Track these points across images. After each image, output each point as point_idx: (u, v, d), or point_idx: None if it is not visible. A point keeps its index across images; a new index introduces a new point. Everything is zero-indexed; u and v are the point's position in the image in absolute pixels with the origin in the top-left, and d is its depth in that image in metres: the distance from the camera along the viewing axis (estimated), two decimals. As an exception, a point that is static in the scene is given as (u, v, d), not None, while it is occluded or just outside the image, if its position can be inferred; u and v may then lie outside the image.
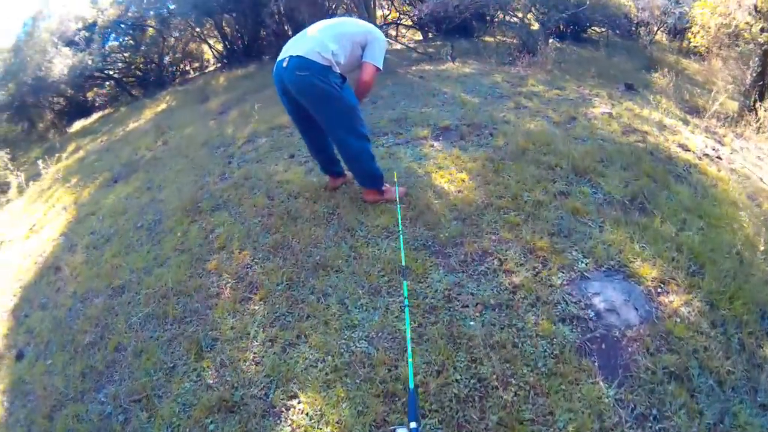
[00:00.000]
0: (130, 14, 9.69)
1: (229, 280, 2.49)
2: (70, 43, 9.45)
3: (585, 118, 3.98)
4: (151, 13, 9.67)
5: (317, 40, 2.38)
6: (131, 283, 2.84)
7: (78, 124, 10.45)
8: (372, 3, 6.98)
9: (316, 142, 2.79)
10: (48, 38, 8.87)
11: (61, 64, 8.79)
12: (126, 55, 10.87)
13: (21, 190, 6.10)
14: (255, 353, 2.04)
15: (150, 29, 10.57)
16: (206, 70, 11.53)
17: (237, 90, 7.13)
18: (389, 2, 9.94)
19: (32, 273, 3.71)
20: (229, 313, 2.29)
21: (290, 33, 7.24)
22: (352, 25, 2.55)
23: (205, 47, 11.84)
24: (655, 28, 8.40)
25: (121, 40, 10.63)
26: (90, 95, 12.40)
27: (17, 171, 6.58)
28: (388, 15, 10.32)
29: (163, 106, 8.26)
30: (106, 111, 10.79)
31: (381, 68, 2.49)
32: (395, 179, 2.88)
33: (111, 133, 7.44)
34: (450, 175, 3.02)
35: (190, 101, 7.71)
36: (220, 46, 11.08)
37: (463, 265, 2.27)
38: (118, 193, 4.34)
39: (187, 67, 12.26)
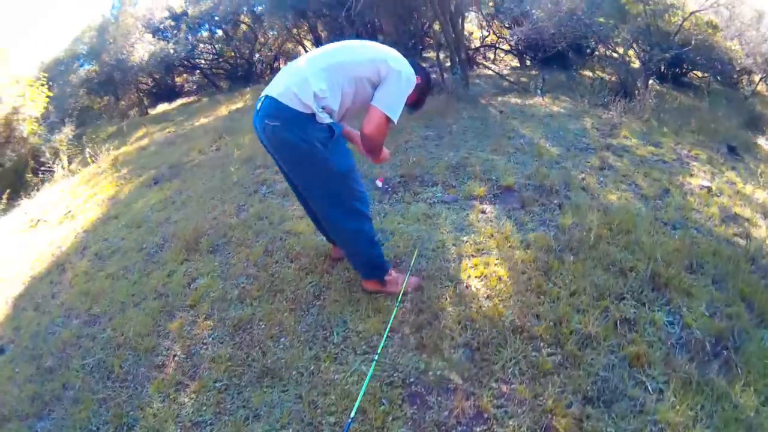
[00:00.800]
0: (222, 8, 9.92)
1: (179, 353, 2.18)
2: (155, 30, 9.84)
3: (680, 192, 3.24)
4: (245, 9, 9.86)
5: (299, 75, 1.76)
6: (105, 316, 2.66)
7: (161, 107, 10.99)
8: (460, 19, 6.45)
9: (309, 207, 2.24)
10: (132, 23, 9.26)
11: (143, 50, 9.14)
12: (218, 46, 11.20)
13: (74, 171, 6.28)
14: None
15: (243, 25, 10.80)
16: None
17: None
18: (487, 23, 9.38)
19: (45, 265, 3.70)
20: (160, 395, 1.96)
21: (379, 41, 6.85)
22: (361, 52, 1.88)
23: (301, 49, 11.99)
24: (758, 78, 7.18)
25: (212, 31, 10.90)
26: (179, 80, 12.88)
27: (83, 148, 6.73)
28: (487, 37, 9.80)
29: (240, 104, 8.28)
30: (190, 99, 11.10)
31: (395, 120, 1.83)
32: (412, 262, 2.36)
33: (180, 126, 7.58)
34: (486, 267, 2.37)
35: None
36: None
37: (440, 429, 1.64)
38: (149, 199, 4.24)
39: (282, 65, 12.33)
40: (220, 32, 11.00)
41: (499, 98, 5.84)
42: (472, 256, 2.48)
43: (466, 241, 2.60)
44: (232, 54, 11.26)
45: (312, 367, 1.93)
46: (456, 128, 4.50)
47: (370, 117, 1.82)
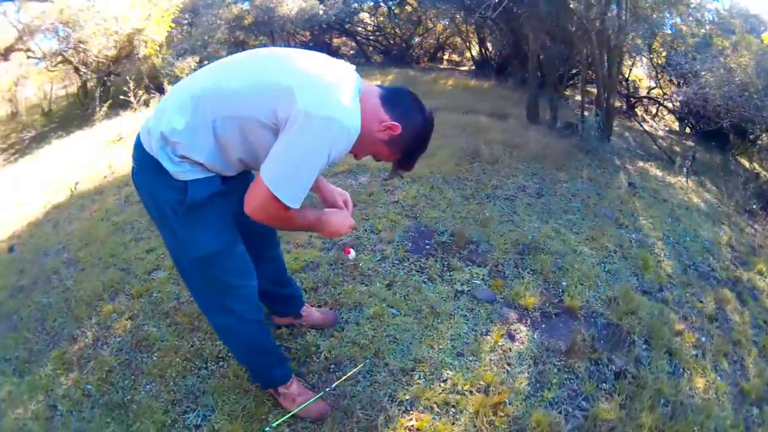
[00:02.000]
0: None
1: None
2: None
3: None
4: None
5: (163, 102, 1.24)
6: (83, 264, 2.72)
7: None
8: (618, 60, 5.32)
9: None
10: None
11: (293, 3, 9.22)
12: (380, 19, 11.01)
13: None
14: None
15: (408, 6, 10.38)
16: (461, 67, 11.10)
17: (448, 98, 6.25)
18: (657, 74, 7.88)
19: (88, 186, 3.79)
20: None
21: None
22: (261, 71, 1.17)
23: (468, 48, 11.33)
24: None
25: (377, 3, 10.68)
26: (336, 42, 13.12)
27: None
28: (653, 89, 8.28)
29: (376, 82, 7.99)
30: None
31: (286, 203, 1.14)
32: (336, 383, 1.76)
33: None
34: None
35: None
36: (475, 51, 10.39)
37: None
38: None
39: (444, 56, 11.89)
40: (383, 7, 10.72)
41: (639, 163, 4.71)
42: (430, 409, 1.74)
43: (446, 380, 1.85)
44: (392, 31, 10.98)
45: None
46: (563, 189, 3.57)
47: (252, 191, 1.15)
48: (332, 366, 1.89)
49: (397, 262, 2.51)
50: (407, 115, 1.26)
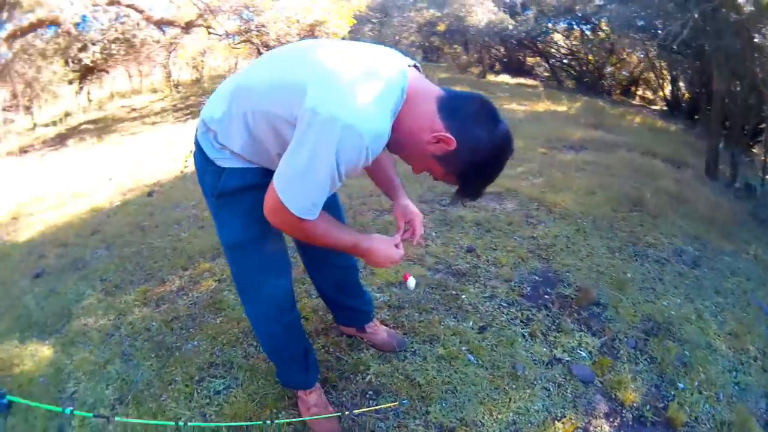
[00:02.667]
0: (579, 7, 8.76)
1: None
2: (498, 1, 9.45)
3: None
4: (603, 20, 8.45)
5: (217, 90, 1.17)
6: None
7: (502, 77, 10.98)
8: None
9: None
10: None
11: (481, 14, 9.01)
12: (574, 43, 10.22)
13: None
14: None
15: (601, 32, 9.43)
16: (652, 106, 9.78)
17: (630, 136, 5.43)
18: None
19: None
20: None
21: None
22: (292, 65, 1.01)
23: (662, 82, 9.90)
24: None
25: (570, 25, 9.93)
26: (531, 60, 12.63)
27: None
28: None
29: (560, 108, 7.20)
30: (529, 81, 10.65)
31: (295, 212, 0.98)
32: (353, 411, 1.48)
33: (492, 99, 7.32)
34: None
35: (555, 121, 6.60)
36: (668, 90, 9.06)
37: None
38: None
39: (637, 91, 10.65)
40: (577, 30, 9.94)
41: None
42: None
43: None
44: (584, 57, 10.13)
45: None
46: (723, 264, 2.68)
47: (268, 192, 1.02)
48: (370, 392, 1.60)
49: (504, 304, 2.08)
50: (467, 129, 0.96)
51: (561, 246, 2.58)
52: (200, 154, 1.15)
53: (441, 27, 10.74)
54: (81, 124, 8.49)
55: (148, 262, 2.55)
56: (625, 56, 9.91)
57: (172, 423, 1.42)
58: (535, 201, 3.10)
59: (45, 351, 1.97)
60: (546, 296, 2.15)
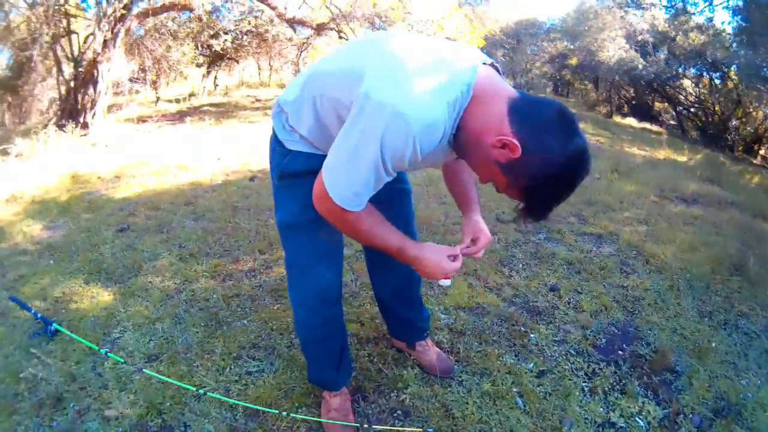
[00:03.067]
0: (710, 51, 7.87)
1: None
2: (630, 38, 8.84)
3: None
4: (733, 68, 7.51)
5: (297, 76, 1.16)
6: None
7: (627, 120, 10.58)
8: None
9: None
10: (610, 21, 8.57)
11: (612, 50, 8.51)
12: (702, 91, 9.28)
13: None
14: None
15: (730, 82, 8.43)
16: None
17: (744, 195, 4.85)
18: None
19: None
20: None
21: None
22: (357, 53, 1.01)
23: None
24: None
25: (699, 72, 9.08)
26: (659, 105, 11.84)
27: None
28: None
29: (681, 158, 6.72)
30: (654, 127, 10.11)
31: (337, 201, 0.95)
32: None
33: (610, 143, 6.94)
34: None
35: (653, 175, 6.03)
36: None
37: None
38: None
39: (761, 150, 9.46)
40: (706, 78, 9.04)
41: None
42: None
43: None
44: (711, 107, 9.18)
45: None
46: None
47: (316, 180, 1.00)
48: (399, 412, 1.51)
49: (572, 352, 1.88)
50: (537, 138, 0.85)
51: (650, 300, 2.31)
52: (273, 135, 1.17)
53: (573, 60, 10.42)
54: (203, 105, 9.00)
55: (229, 239, 2.67)
56: (751, 110, 8.96)
57: (193, 388, 1.45)
58: (634, 248, 2.88)
59: (105, 296, 2.13)
60: (620, 351, 1.90)
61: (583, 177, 0.88)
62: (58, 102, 7.34)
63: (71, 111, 6.91)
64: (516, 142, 0.84)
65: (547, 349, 1.86)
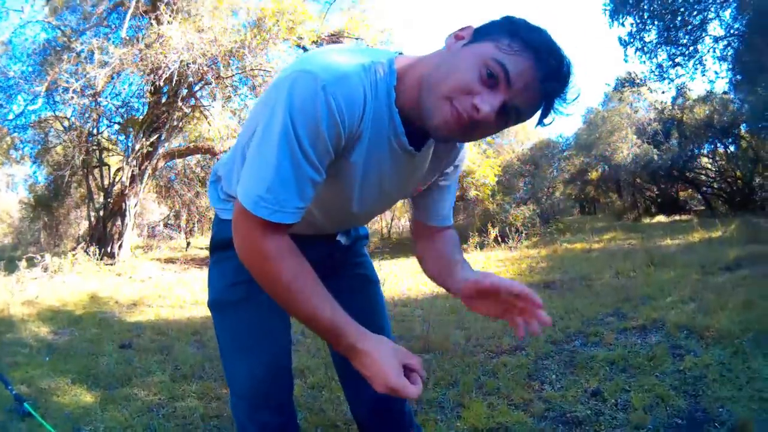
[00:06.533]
0: (717, 118, 8.08)
1: None
2: (640, 132, 9.22)
3: None
4: (739, 129, 7.62)
5: None
6: None
7: (658, 218, 10.55)
8: None
9: None
10: (618, 121, 9.05)
11: (627, 150, 8.87)
12: (720, 162, 9.29)
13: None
14: None
15: (743, 141, 8.46)
16: None
17: None
18: None
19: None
20: None
21: None
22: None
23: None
24: None
25: (714, 144, 9.20)
26: (683, 194, 11.79)
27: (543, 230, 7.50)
28: None
29: (715, 234, 6.56)
30: (684, 217, 10.00)
31: (249, 207, 0.72)
32: None
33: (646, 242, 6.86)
34: None
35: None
36: None
37: None
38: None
39: None
40: (720, 148, 9.20)
41: None
42: None
43: None
44: (733, 173, 9.10)
45: None
46: None
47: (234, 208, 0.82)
48: None
49: None
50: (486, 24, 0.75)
51: (713, 375, 2.01)
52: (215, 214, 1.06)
53: (593, 175, 10.91)
54: None
55: None
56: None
57: None
58: (684, 328, 2.63)
59: (87, 397, 2.22)
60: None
61: (545, 34, 0.73)
62: (88, 229, 7.89)
63: (99, 238, 7.46)
64: (467, 26, 0.76)
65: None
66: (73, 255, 6.46)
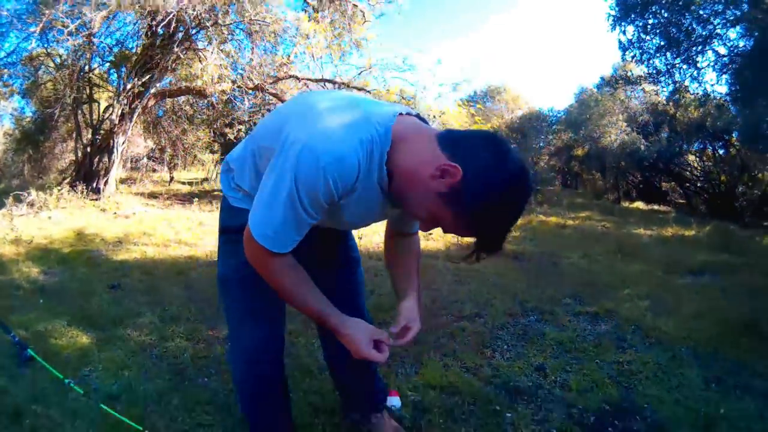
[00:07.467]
0: (710, 122, 8.08)
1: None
2: (631, 120, 9.23)
3: None
4: (734, 135, 7.67)
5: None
6: None
7: (636, 204, 10.66)
8: None
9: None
10: (610, 107, 9.01)
11: (614, 135, 8.87)
12: (707, 164, 9.42)
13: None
14: None
15: (733, 149, 8.55)
16: None
17: (753, 257, 4.75)
18: None
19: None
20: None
21: None
22: (295, 103, 1.08)
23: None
24: None
25: (703, 145, 9.28)
26: (666, 185, 11.97)
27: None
28: None
29: (688, 233, 6.69)
30: (661, 207, 10.12)
31: (262, 243, 0.96)
32: None
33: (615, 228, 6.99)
34: None
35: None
36: None
37: None
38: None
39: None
40: (709, 150, 9.24)
41: None
42: None
43: None
44: (717, 177, 9.24)
45: None
46: None
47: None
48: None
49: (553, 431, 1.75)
50: (475, 157, 0.85)
51: (648, 373, 2.18)
52: (223, 194, 1.23)
53: (579, 152, 10.94)
54: (214, 190, 9.60)
55: (211, 309, 2.70)
56: (756, 173, 9.05)
57: (140, 428, 1.54)
58: (633, 324, 2.77)
59: (83, 338, 2.33)
60: (610, 429, 1.76)
61: (528, 193, 0.90)
62: (74, 164, 7.82)
63: (86, 174, 7.41)
64: (455, 164, 0.84)
65: (524, 428, 1.73)
66: (59, 190, 6.35)
